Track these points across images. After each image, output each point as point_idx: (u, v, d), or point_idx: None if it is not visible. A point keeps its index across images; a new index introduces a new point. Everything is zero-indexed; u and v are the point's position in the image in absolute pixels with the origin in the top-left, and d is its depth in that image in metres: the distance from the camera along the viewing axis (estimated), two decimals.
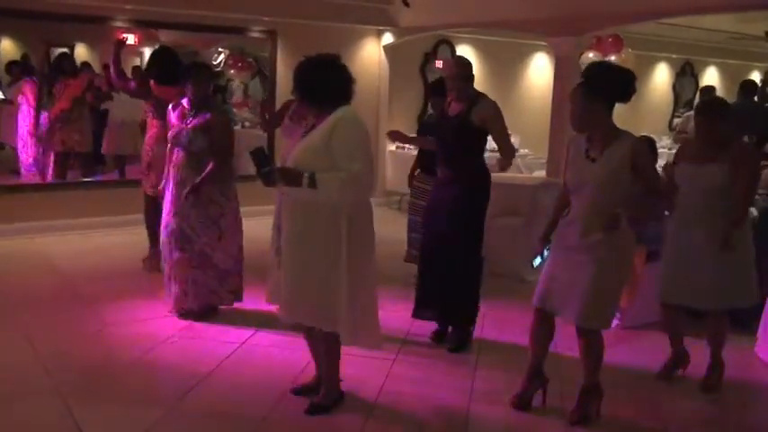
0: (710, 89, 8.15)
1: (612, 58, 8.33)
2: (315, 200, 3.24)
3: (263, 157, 3.28)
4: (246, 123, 8.85)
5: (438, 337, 4.61)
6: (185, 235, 4.66)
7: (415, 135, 6.04)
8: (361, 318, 3.37)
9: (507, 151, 4.52)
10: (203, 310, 4.82)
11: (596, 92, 3.26)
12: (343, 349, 3.55)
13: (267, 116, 6.03)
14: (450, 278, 4.48)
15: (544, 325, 3.58)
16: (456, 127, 4.38)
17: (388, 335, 4.48)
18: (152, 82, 5.60)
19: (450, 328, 4.64)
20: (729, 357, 4.13)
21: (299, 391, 3.70)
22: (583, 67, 8.26)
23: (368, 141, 3.37)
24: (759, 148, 6.14)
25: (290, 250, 3.35)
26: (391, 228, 6.80)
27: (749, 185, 3.83)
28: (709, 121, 3.86)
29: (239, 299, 4.94)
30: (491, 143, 4.55)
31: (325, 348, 3.53)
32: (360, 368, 4.00)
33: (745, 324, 4.68)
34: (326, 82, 3.31)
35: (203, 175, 4.57)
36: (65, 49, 7.80)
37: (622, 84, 3.27)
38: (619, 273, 3.41)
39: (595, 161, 3.31)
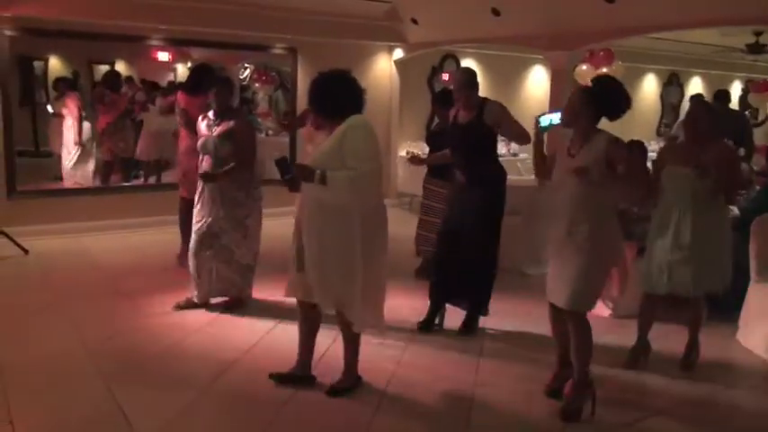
0: (699, 96, 8.09)
1: (604, 70, 8.27)
2: (330, 200, 3.27)
3: (285, 166, 3.35)
4: (270, 132, 8.89)
5: (426, 326, 4.55)
6: (213, 233, 4.68)
7: (426, 150, 6.08)
8: (370, 307, 3.42)
9: (526, 135, 4.39)
10: (230, 303, 4.83)
11: (593, 99, 3.34)
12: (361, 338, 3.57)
13: (286, 122, 6.33)
14: (472, 269, 4.46)
15: (557, 316, 3.53)
16: (474, 131, 4.35)
17: (400, 325, 4.51)
18: (180, 94, 5.64)
19: (437, 319, 4.61)
20: (714, 344, 4.12)
21: (281, 379, 3.65)
22: (577, 78, 8.30)
23: (376, 145, 3.40)
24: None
25: (311, 245, 3.37)
26: (403, 227, 6.78)
27: (733, 179, 3.85)
28: (697, 122, 3.87)
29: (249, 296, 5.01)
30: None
31: (350, 335, 3.55)
32: (373, 356, 4.00)
33: (727, 312, 4.66)
34: (337, 95, 3.35)
35: (225, 168, 4.60)
36: (107, 66, 7.86)
37: (616, 105, 3.34)
38: (602, 262, 3.39)
39: (574, 157, 3.37)
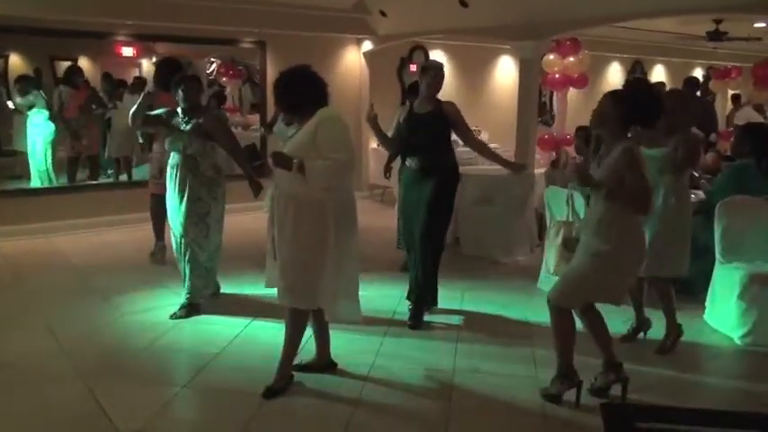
0: (661, 85, 8.25)
1: (571, 59, 8.41)
2: (304, 192, 3.31)
3: (254, 153, 3.41)
4: (239, 128, 8.84)
5: (415, 322, 4.54)
6: (178, 232, 4.69)
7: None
8: (344, 299, 3.49)
9: (480, 144, 4.81)
10: (190, 310, 4.70)
11: (621, 104, 3.21)
12: (338, 328, 3.63)
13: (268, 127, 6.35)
14: (429, 262, 4.56)
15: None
16: (437, 120, 4.49)
17: (377, 316, 4.57)
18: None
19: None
20: (683, 323, 4.25)
21: (301, 368, 3.73)
22: (544, 68, 8.43)
23: (349, 135, 3.47)
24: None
25: (283, 240, 3.40)
26: (375, 217, 6.87)
27: (685, 158, 4.03)
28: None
29: (218, 293, 5.01)
30: None
31: (321, 323, 3.64)
32: (353, 345, 4.06)
33: (695, 293, 4.82)
34: (301, 92, 3.39)
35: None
36: (69, 63, 7.74)
37: (646, 111, 3.23)
38: (599, 272, 3.29)
39: (599, 166, 3.31)
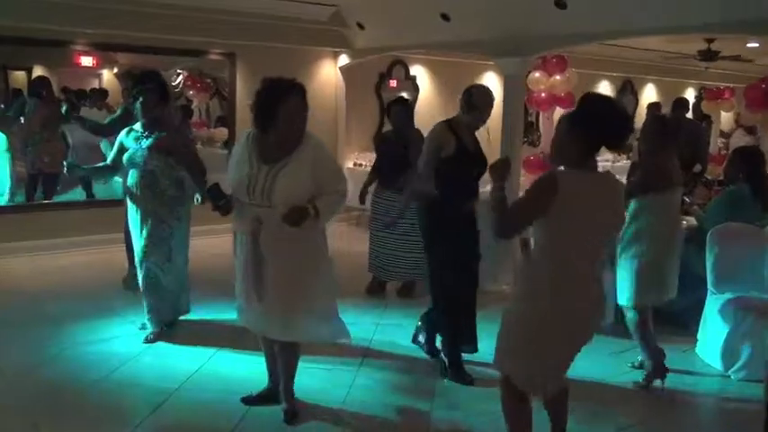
0: (656, 105, 8.40)
1: (557, 77, 8.56)
2: (299, 229, 3.26)
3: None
4: (205, 142, 8.82)
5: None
6: (139, 256, 4.68)
7: (372, 158, 6.19)
8: (326, 321, 3.51)
9: None
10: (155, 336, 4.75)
11: (577, 125, 2.81)
12: (310, 360, 3.63)
13: None
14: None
15: None
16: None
17: (352, 345, 4.55)
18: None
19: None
20: (673, 357, 4.30)
21: (251, 401, 3.73)
22: (530, 86, 8.56)
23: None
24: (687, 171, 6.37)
25: (281, 278, 3.34)
26: (352, 243, 6.87)
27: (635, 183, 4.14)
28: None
29: (187, 311, 5.00)
30: None
31: (292, 354, 3.61)
32: (324, 380, 4.05)
33: (686, 326, 4.88)
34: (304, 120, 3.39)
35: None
36: (23, 73, 7.69)
37: (609, 130, 2.80)
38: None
39: None
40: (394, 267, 5.85)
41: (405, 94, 10.07)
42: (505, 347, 2.96)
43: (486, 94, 4.25)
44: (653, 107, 7.53)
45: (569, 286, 2.81)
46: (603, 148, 2.85)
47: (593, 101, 2.85)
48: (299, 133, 3.31)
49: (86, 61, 7.72)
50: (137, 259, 4.72)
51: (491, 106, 4.24)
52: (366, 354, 4.59)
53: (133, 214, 4.66)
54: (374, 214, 5.99)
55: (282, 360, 3.61)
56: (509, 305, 3.01)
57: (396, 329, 5.01)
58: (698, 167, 7.04)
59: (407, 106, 6.21)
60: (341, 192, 3.39)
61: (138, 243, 4.66)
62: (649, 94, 13.75)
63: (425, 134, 4.53)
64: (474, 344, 4.42)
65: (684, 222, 5.42)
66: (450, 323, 4.32)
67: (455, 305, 4.30)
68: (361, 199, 6.06)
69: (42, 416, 3.59)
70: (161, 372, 4.23)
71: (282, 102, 3.27)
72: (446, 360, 4.33)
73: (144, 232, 4.60)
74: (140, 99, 4.60)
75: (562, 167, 2.86)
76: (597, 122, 2.76)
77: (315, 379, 4.01)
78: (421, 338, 4.58)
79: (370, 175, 6.18)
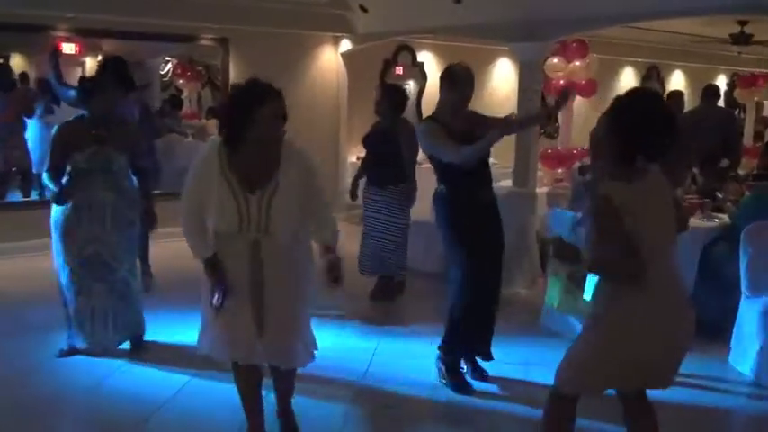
0: (678, 94, 8.31)
1: (577, 63, 8.51)
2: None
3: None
4: (196, 134, 8.81)
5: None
6: (104, 262, 4.49)
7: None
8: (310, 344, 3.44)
9: None
10: (135, 346, 4.74)
11: (615, 127, 2.75)
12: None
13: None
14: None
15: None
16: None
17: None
18: None
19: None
20: (704, 367, 4.27)
21: None
22: (547, 73, 8.52)
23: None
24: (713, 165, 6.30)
25: (286, 301, 3.25)
26: (353, 243, 6.82)
27: None
28: None
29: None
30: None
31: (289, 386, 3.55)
32: (316, 411, 3.96)
33: (718, 333, 4.84)
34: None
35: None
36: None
37: (645, 133, 2.70)
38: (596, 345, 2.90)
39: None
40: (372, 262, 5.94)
41: (411, 83, 10.07)
42: (578, 361, 2.90)
43: (465, 68, 4.28)
44: (675, 97, 7.46)
45: (658, 303, 2.74)
46: None
47: (629, 98, 2.76)
48: (279, 145, 3.11)
49: (68, 48, 7.71)
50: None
51: (472, 82, 4.25)
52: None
53: (93, 217, 4.46)
54: (365, 211, 6.02)
55: (285, 387, 3.52)
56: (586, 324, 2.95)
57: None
58: (724, 162, 6.98)
59: (394, 95, 5.98)
60: (329, 205, 3.32)
61: (102, 253, 4.48)
62: (677, 82, 13.69)
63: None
64: (488, 351, 4.41)
65: (716, 220, 5.40)
66: (465, 322, 4.29)
67: (477, 300, 4.26)
68: (352, 195, 6.09)
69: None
70: (150, 381, 4.24)
71: (258, 109, 2.96)
72: (443, 364, 4.35)
73: (114, 240, 4.48)
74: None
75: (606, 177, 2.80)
76: (631, 126, 2.68)
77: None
78: (464, 366, 4.47)
79: (359, 168, 6.21)
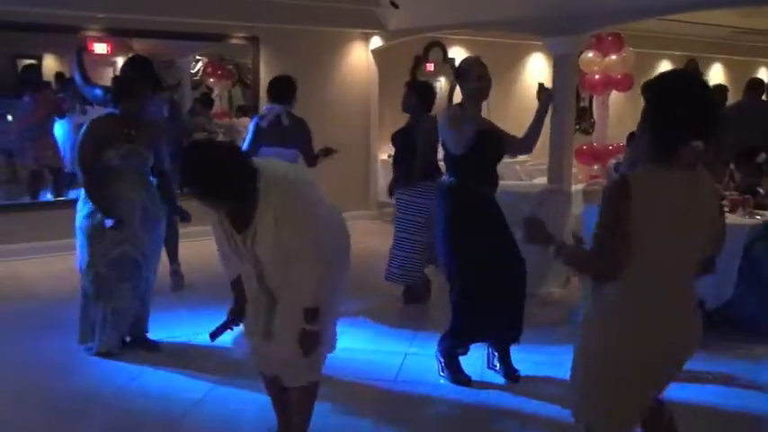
0: (721, 88, 8.13)
1: (613, 57, 8.41)
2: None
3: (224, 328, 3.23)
4: (227, 132, 8.86)
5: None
6: (135, 262, 4.52)
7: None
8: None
9: None
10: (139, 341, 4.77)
11: (648, 111, 2.51)
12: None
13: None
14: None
15: None
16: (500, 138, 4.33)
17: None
18: None
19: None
20: (742, 369, 4.17)
21: None
22: (582, 68, 8.41)
23: (310, 204, 3.02)
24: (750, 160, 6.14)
25: (290, 314, 3.12)
26: (383, 240, 6.79)
27: None
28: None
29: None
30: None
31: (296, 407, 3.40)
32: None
33: (761, 333, 4.73)
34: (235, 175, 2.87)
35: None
36: (34, 61, 7.83)
37: (674, 118, 2.41)
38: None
39: None
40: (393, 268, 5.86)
41: (442, 79, 10.02)
42: (578, 389, 2.69)
43: (470, 58, 4.42)
44: (717, 91, 7.27)
45: (651, 311, 2.47)
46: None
47: (664, 77, 2.52)
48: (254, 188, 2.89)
49: (100, 48, 7.80)
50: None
51: (480, 68, 4.19)
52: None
53: (131, 217, 4.49)
54: (395, 211, 6.02)
55: (292, 404, 3.37)
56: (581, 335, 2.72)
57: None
58: (762, 157, 6.82)
59: (421, 91, 5.98)
60: (306, 255, 2.93)
61: (131, 252, 4.51)
62: (717, 76, 13.44)
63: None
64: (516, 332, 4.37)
65: (758, 217, 5.28)
66: (463, 325, 4.29)
67: (472, 309, 4.25)
68: (390, 192, 6.08)
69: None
70: (180, 381, 4.26)
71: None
72: (442, 358, 4.35)
73: (145, 239, 4.53)
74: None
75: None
76: (667, 104, 2.41)
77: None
78: (495, 362, 4.46)
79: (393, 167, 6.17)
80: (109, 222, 4.29)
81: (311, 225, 2.94)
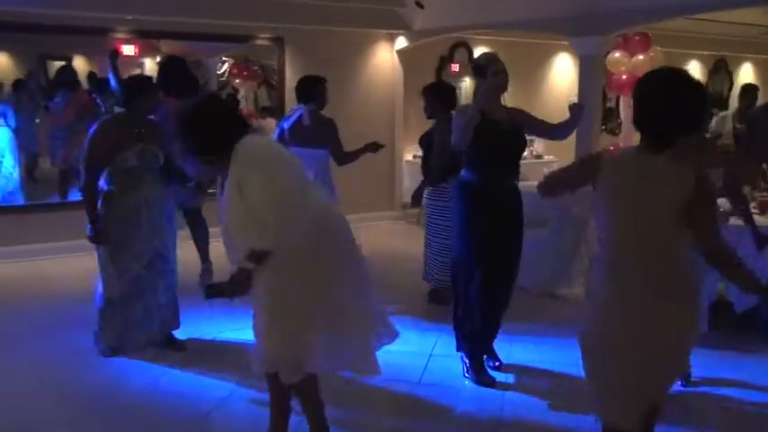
0: (752, 87, 8.01)
1: (640, 57, 8.35)
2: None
3: (218, 291, 3.27)
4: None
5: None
6: (163, 256, 4.63)
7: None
8: (333, 346, 3.30)
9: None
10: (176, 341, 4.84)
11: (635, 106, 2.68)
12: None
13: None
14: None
15: None
16: (514, 129, 4.32)
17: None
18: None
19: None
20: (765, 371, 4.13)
21: None
22: (609, 68, 8.36)
23: (271, 175, 3.00)
24: None
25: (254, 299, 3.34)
26: (407, 242, 6.81)
27: None
28: None
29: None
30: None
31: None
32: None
33: None
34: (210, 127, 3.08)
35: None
36: (62, 63, 7.96)
37: (656, 111, 2.55)
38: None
39: None
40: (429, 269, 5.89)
41: (467, 80, 10.01)
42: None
43: (486, 54, 4.54)
44: (748, 91, 7.11)
45: (614, 291, 2.61)
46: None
47: (641, 80, 2.62)
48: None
49: (128, 50, 7.92)
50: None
51: (497, 64, 4.27)
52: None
53: (155, 213, 4.60)
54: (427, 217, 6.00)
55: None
56: None
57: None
58: None
59: (439, 92, 5.99)
60: (248, 244, 3.05)
61: (159, 246, 4.62)
62: (747, 75, 13.28)
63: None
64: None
65: None
66: (473, 318, 4.31)
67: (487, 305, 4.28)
68: (414, 200, 5.85)
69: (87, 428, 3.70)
70: (205, 380, 4.30)
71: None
72: (467, 359, 4.39)
73: (168, 230, 4.66)
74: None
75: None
76: (636, 107, 2.59)
77: None
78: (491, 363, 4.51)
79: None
80: (88, 230, 4.41)
81: (263, 203, 2.96)
